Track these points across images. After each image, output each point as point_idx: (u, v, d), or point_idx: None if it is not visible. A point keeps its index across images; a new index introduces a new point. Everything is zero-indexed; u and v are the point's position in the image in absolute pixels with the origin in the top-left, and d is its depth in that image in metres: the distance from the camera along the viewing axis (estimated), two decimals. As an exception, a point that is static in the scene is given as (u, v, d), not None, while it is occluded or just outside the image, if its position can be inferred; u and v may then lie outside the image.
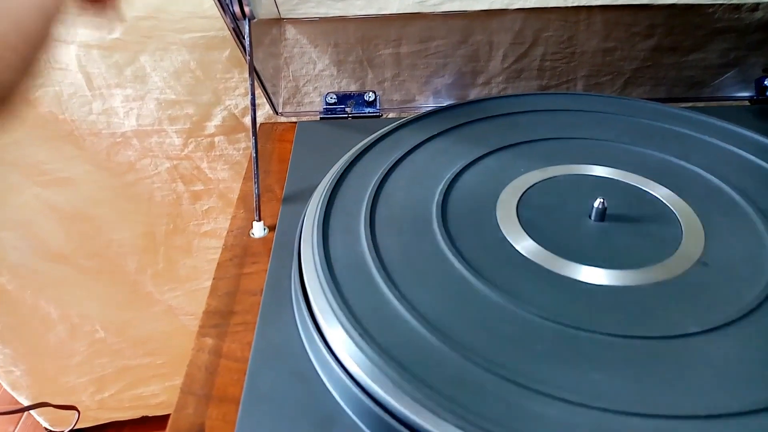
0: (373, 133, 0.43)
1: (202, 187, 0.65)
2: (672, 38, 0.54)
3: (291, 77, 0.56)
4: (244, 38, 0.36)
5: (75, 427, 0.82)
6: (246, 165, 0.59)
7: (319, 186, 0.38)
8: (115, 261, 0.69)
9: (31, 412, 0.83)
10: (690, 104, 0.53)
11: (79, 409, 0.77)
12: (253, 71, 0.36)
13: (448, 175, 0.38)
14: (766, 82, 0.51)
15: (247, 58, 0.36)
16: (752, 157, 0.39)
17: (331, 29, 0.52)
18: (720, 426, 0.23)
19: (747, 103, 0.53)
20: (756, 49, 0.54)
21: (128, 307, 0.73)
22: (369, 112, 0.52)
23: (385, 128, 0.43)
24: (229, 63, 0.56)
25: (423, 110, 0.47)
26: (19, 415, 0.92)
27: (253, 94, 0.35)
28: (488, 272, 0.31)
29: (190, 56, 0.55)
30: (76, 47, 0.54)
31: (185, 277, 0.72)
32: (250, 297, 0.35)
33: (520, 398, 0.24)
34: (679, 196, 0.36)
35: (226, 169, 0.63)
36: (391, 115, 0.57)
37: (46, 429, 0.85)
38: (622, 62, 0.56)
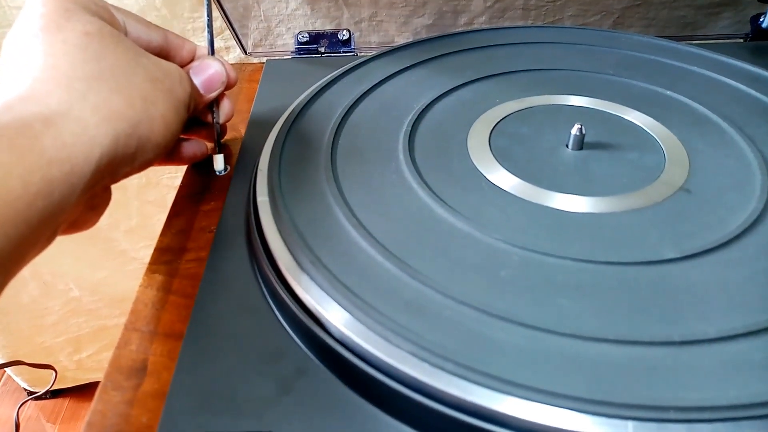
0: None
1: (174, 138, 0.62)
2: (664, -25, 0.51)
3: (262, 17, 0.53)
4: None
5: (54, 387, 0.81)
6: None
7: (282, 117, 0.35)
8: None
9: (9, 373, 0.82)
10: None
11: (57, 369, 0.76)
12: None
13: (419, 106, 0.35)
14: (762, 19, 0.48)
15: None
16: (742, 87, 0.37)
17: (303, -37, 0.49)
18: (695, 352, 0.22)
19: (741, 41, 0.50)
20: (753, -15, 0.51)
21: (102, 265, 0.71)
22: (343, 51, 0.49)
23: (357, 60, 0.41)
24: (196, 0, 0.53)
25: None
26: (-2, 376, 0.90)
27: (209, 4, 0.32)
28: (454, 200, 0.29)
29: (155, -7, 0.52)
30: (32, -17, 0.51)
31: (160, 234, 0.70)
32: (206, 234, 0.33)
33: (479, 324, 0.22)
34: (663, 124, 0.34)
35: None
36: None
37: (26, 390, 0.84)
38: (610, 1, 0.53)
